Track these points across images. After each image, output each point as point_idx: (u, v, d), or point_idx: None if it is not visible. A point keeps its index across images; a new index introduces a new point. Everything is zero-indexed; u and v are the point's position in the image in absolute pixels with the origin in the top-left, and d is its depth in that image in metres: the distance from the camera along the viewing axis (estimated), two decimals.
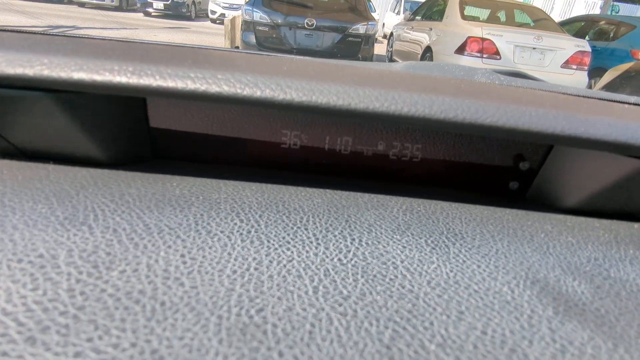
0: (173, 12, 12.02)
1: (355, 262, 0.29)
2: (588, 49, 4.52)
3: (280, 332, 0.22)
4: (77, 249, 0.26)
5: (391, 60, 7.83)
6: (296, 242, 0.30)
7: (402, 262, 0.29)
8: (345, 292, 0.26)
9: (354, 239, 0.31)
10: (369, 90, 0.32)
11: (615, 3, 16.85)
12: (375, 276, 0.27)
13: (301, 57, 0.49)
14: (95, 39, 0.46)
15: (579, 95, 0.51)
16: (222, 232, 0.30)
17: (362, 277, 0.27)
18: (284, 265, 0.27)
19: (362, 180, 0.43)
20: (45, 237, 0.27)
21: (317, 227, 0.32)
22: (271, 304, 0.24)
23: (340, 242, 0.30)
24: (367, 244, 0.31)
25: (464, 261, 0.30)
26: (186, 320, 0.22)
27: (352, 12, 4.69)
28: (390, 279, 0.27)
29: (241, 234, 0.30)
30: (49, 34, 0.46)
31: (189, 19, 12.53)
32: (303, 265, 0.28)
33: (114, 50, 0.36)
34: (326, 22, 4.37)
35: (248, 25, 4.44)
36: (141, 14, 12.19)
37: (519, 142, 0.41)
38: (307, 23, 4.30)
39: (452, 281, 0.28)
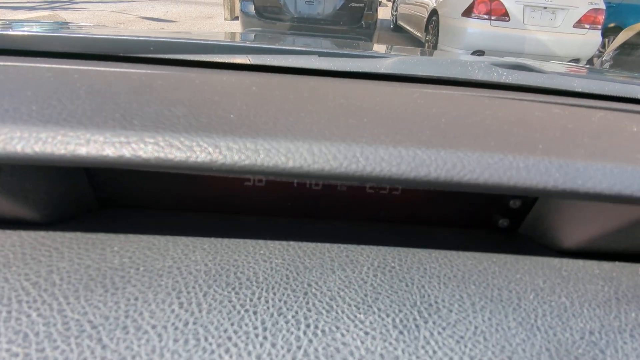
0: None
1: None
2: (602, 6, 4.31)
3: None
4: None
5: (396, 24, 7.56)
6: (239, 336, 0.25)
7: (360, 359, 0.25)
8: None
9: (308, 325, 0.26)
10: (325, 147, 0.28)
11: None
12: None
13: (265, 77, 0.42)
14: (35, 67, 0.39)
15: (582, 105, 0.44)
16: (153, 327, 0.25)
17: None
18: None
19: (334, 221, 0.38)
20: None
21: (268, 308, 0.27)
22: None
23: (292, 333, 0.26)
24: (322, 331, 0.26)
25: (435, 351, 0.26)
26: None
27: None
28: None
29: (176, 328, 0.25)
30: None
31: None
32: None
33: (31, 100, 0.31)
34: None
35: None
36: None
37: None
38: None
39: None
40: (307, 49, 0.59)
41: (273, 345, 0.25)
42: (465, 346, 0.26)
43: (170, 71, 0.41)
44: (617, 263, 0.35)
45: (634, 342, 0.28)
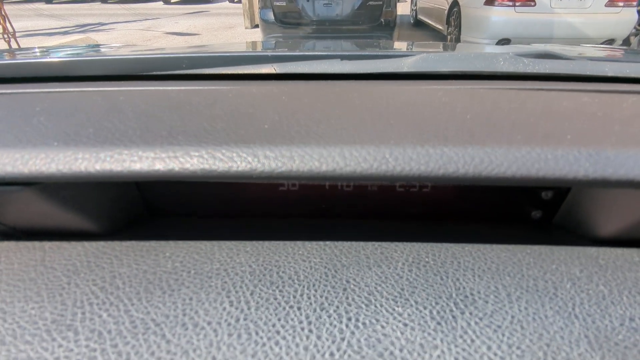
0: None
1: (349, 356, 0.25)
2: None
3: None
4: None
5: (416, 19, 7.45)
6: (286, 330, 0.27)
7: (400, 350, 0.25)
8: None
9: (350, 319, 0.28)
10: (355, 150, 0.29)
11: None
12: None
13: (292, 85, 0.44)
14: (74, 91, 0.43)
15: (613, 91, 0.42)
16: (209, 323, 0.27)
17: None
18: None
19: (366, 220, 0.39)
20: (30, 353, 0.25)
21: (311, 303, 0.29)
22: None
23: (335, 325, 0.27)
24: (364, 324, 0.27)
25: (473, 340, 0.26)
26: None
27: None
28: None
29: (229, 324, 0.27)
30: (30, 92, 0.44)
31: (207, 1, 12.46)
32: None
33: (86, 123, 0.34)
34: None
35: (265, 3, 4.34)
36: (161, 2, 12.25)
37: None
38: None
39: None
40: (329, 53, 0.60)
41: (318, 337, 0.26)
42: (503, 335, 0.26)
43: (204, 86, 0.45)
44: None
45: None
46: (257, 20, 5.02)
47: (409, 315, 0.28)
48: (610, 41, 4.27)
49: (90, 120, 0.35)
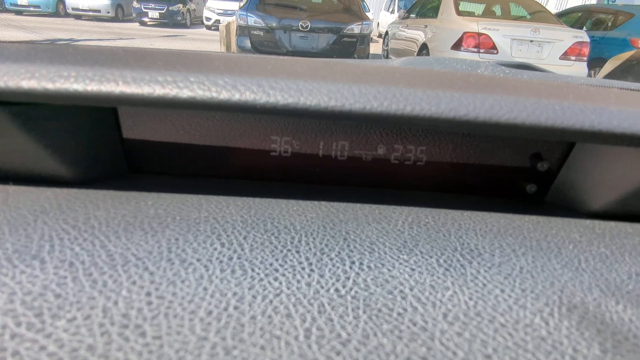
0: (168, 21, 12.03)
1: (356, 292, 0.24)
2: (586, 39, 4.48)
3: None
4: (21, 292, 0.22)
5: (387, 58, 7.78)
6: (285, 269, 0.25)
7: (411, 289, 0.25)
8: (344, 334, 0.21)
9: (353, 262, 0.26)
10: (365, 88, 0.28)
11: None
12: (380, 310, 0.23)
13: (289, 57, 0.44)
14: (58, 44, 0.41)
15: (598, 86, 0.46)
16: (198, 260, 0.26)
17: (365, 312, 0.23)
18: (270, 302, 0.23)
19: (361, 188, 0.39)
20: None
21: (310, 248, 0.27)
22: (252, 357, 0.19)
23: (338, 267, 0.26)
24: (369, 267, 0.26)
25: (485, 284, 0.26)
26: None
27: (346, 12, 4.67)
28: (399, 314, 0.23)
29: (221, 261, 0.26)
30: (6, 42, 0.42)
31: (184, 26, 12.55)
32: (293, 300, 0.23)
33: (75, 55, 0.31)
34: (320, 24, 4.34)
35: (243, 30, 4.42)
36: (137, 24, 12.21)
37: (536, 140, 0.36)
38: (301, 25, 4.28)
39: (473, 313, 0.23)
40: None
41: (321, 275, 0.25)
42: (515, 281, 0.26)
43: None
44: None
45: None
46: (234, 48, 5.08)
47: (415, 262, 0.27)
48: None
49: (75, 55, 0.31)
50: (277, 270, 0.25)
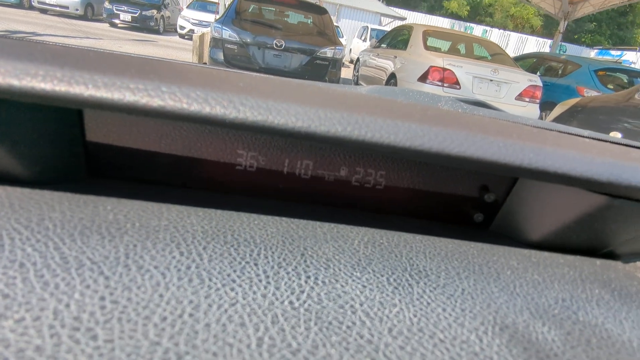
0: (140, 25, 11.80)
1: (309, 305, 0.25)
2: (540, 83, 4.84)
3: None
4: None
5: (357, 84, 8.02)
6: (243, 280, 0.26)
7: (361, 304, 0.26)
8: (294, 344, 0.22)
9: (309, 277, 0.28)
10: (330, 112, 0.29)
11: (563, 44, 18.27)
12: (330, 323, 0.24)
13: (262, 75, 0.46)
14: (30, 42, 0.39)
15: (541, 128, 0.51)
16: (155, 267, 0.26)
17: (316, 324, 0.24)
18: (225, 310, 0.23)
19: (322, 207, 0.40)
20: None
21: (268, 262, 0.28)
22: None
23: (294, 281, 0.27)
24: (323, 282, 0.28)
25: (429, 303, 0.28)
26: None
27: (321, 36, 4.79)
28: (348, 327, 0.24)
29: (179, 269, 0.26)
30: None
31: (156, 32, 12.34)
32: (248, 310, 0.24)
33: (44, 52, 0.30)
34: (295, 44, 4.42)
35: (217, 43, 4.42)
36: (107, 25, 11.89)
37: (484, 173, 0.39)
38: (275, 44, 4.34)
39: (416, 328, 0.25)
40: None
41: (277, 288, 0.26)
42: (456, 302, 0.29)
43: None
44: (577, 256, 0.38)
45: (600, 309, 0.31)
46: (206, 59, 5.06)
47: (367, 279, 0.29)
48: None
49: (46, 53, 0.30)
50: (234, 281, 0.26)
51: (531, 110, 4.82)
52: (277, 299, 0.25)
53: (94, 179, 0.37)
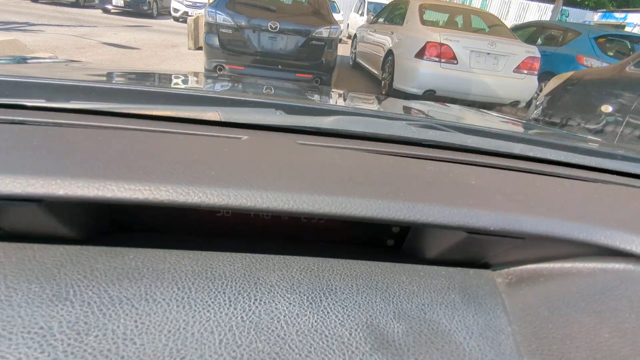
0: (133, 10, 11.66)
1: (252, 319, 0.38)
2: (537, 54, 4.80)
3: None
4: (65, 321, 0.35)
5: (355, 62, 7.96)
6: (215, 305, 0.39)
7: (284, 316, 0.39)
8: (239, 342, 0.36)
9: (257, 299, 0.40)
10: (270, 194, 0.41)
11: (565, 8, 17.79)
12: (262, 329, 0.37)
13: (234, 132, 0.58)
14: (65, 125, 0.53)
15: (472, 151, 0.62)
16: (163, 299, 0.39)
17: (254, 330, 0.37)
18: (203, 324, 0.37)
19: (278, 241, 0.51)
20: (42, 312, 0.35)
21: (232, 291, 0.41)
22: (190, 354, 0.34)
23: (246, 303, 0.39)
24: (265, 302, 0.40)
25: (328, 312, 0.40)
26: None
27: (315, 16, 4.74)
28: (272, 330, 0.37)
29: (177, 300, 0.39)
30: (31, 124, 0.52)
31: (150, 16, 12.19)
32: (216, 323, 0.37)
33: (83, 164, 0.42)
34: (290, 26, 4.40)
35: (211, 28, 4.40)
36: (100, 11, 11.74)
37: None
38: (270, 26, 4.32)
39: (314, 329, 0.38)
40: (268, 101, 0.72)
41: (235, 308, 0.39)
42: (345, 310, 0.40)
43: (158, 127, 0.56)
44: (457, 268, 0.48)
45: (443, 310, 0.42)
46: (202, 43, 5.05)
47: (294, 299, 0.40)
48: (516, 102, 4.93)
49: (79, 155, 0.44)
50: (209, 306, 0.39)
51: (529, 82, 4.81)
52: (234, 316, 0.38)
53: (117, 233, 0.48)
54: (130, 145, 0.49)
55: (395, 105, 1.36)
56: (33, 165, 0.40)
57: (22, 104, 0.58)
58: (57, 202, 0.39)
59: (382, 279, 0.44)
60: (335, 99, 1.24)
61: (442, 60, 4.62)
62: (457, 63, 4.63)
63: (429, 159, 0.58)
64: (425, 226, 0.43)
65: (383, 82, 5.70)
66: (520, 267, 0.46)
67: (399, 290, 0.43)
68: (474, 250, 0.46)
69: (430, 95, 4.76)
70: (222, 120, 0.62)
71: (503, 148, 0.65)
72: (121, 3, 11.52)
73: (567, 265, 0.44)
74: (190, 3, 11.76)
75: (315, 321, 0.38)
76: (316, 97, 1.20)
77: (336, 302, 0.41)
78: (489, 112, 1.52)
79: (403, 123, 0.70)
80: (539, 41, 6.54)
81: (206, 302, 0.39)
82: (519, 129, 1.07)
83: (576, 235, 0.42)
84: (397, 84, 5.08)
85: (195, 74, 1.49)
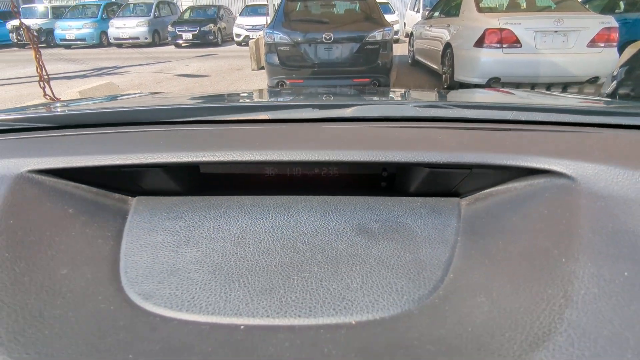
0: (201, 41, 12.66)
1: (286, 223, 0.54)
2: (614, 24, 4.38)
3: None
4: (189, 227, 0.54)
5: (413, 59, 7.86)
6: (265, 219, 0.55)
7: (304, 222, 0.55)
8: (279, 234, 0.52)
9: (289, 215, 0.55)
10: (299, 152, 0.57)
11: None
12: (292, 228, 0.53)
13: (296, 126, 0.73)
14: (166, 129, 0.72)
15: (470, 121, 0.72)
16: (235, 217, 0.56)
17: (287, 229, 0.53)
18: (259, 228, 0.53)
19: (304, 188, 0.64)
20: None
21: (275, 212, 0.56)
22: (252, 239, 0.52)
23: (284, 217, 0.55)
24: (294, 217, 0.55)
25: (333, 220, 0.55)
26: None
27: (367, 20, 4.81)
28: (298, 229, 0.53)
29: (243, 217, 0.55)
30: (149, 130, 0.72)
31: (216, 45, 13.14)
32: (266, 228, 0.54)
33: (184, 140, 0.62)
34: (343, 34, 4.52)
35: (270, 47, 4.68)
36: (172, 47, 12.93)
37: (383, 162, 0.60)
38: (324, 37, 4.48)
39: (323, 228, 0.53)
40: (304, 103, 0.93)
41: (276, 218, 0.55)
42: (349, 218, 0.55)
43: (228, 126, 0.74)
44: (432, 197, 0.59)
45: (409, 216, 0.55)
46: (263, 63, 5.37)
47: (311, 214, 0.56)
48: (595, 79, 4.52)
49: (200, 140, 0.63)
50: (261, 219, 0.55)
51: (608, 55, 4.39)
52: (276, 223, 0.54)
53: (206, 190, 0.64)
54: (221, 135, 0.68)
55: (436, 95, 1.42)
56: (184, 145, 0.59)
57: (161, 120, 0.78)
58: (176, 167, 0.58)
59: (372, 203, 0.58)
60: (377, 96, 1.32)
61: (504, 46, 4.42)
62: (520, 46, 4.40)
63: (413, 128, 0.71)
64: (399, 166, 0.56)
65: (444, 76, 5.58)
66: (477, 193, 0.58)
67: (384, 208, 0.57)
68: (439, 182, 0.58)
69: (495, 82, 4.57)
70: (272, 118, 0.82)
71: (472, 115, 0.77)
72: (190, 37, 12.59)
73: (507, 185, 0.55)
74: (251, 27, 12.46)
75: (324, 224, 0.54)
76: (360, 96, 1.31)
77: (339, 215, 0.56)
78: (552, 92, 1.48)
79: (409, 106, 0.84)
80: (620, 8, 5.93)
81: (259, 218, 0.55)
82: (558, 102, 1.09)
83: (504, 162, 0.53)
84: (458, 76, 4.94)
85: (259, 91, 1.74)
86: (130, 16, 13.46)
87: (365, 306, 0.43)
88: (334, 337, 0.39)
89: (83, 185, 0.57)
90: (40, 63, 4.67)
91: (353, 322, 0.41)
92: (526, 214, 0.50)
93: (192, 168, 0.63)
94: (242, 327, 0.41)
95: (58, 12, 14.77)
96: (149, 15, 13.49)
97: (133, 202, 0.60)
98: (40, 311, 0.40)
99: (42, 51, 4.91)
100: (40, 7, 15.58)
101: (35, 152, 0.57)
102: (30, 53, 4.90)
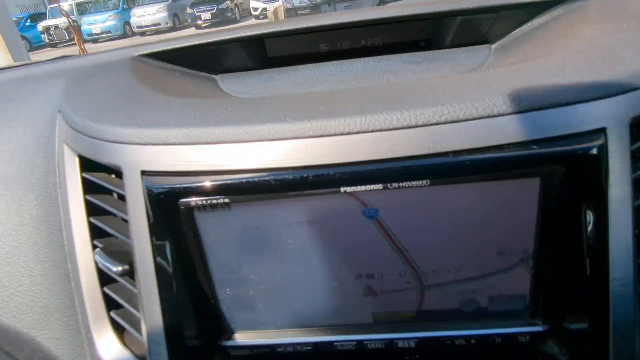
0: (220, 19, 12.70)
1: (341, 69, 0.59)
2: None
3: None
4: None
5: None
6: (327, 67, 0.59)
7: (358, 67, 0.59)
8: (340, 73, 0.58)
9: (343, 64, 0.60)
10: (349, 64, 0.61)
11: None
12: (347, 72, 0.58)
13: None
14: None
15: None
16: (304, 68, 0.62)
17: (343, 72, 0.58)
18: (322, 73, 0.59)
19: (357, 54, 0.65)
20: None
21: (335, 62, 0.61)
22: (317, 78, 0.57)
23: (340, 65, 0.60)
24: (347, 65, 0.60)
25: (376, 62, 0.60)
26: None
27: None
28: (352, 72, 0.58)
29: (311, 68, 0.61)
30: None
31: (234, 21, 13.13)
32: (327, 72, 0.59)
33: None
34: None
35: (290, 13, 4.70)
36: (193, 28, 13.05)
37: (423, 22, 0.63)
38: None
39: (367, 67, 0.59)
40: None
41: (335, 65, 0.61)
42: (389, 63, 0.60)
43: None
44: (467, 47, 0.62)
45: (458, 52, 0.60)
46: None
47: (362, 63, 0.60)
48: None
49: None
50: (324, 68, 0.60)
51: None
52: (335, 69, 0.59)
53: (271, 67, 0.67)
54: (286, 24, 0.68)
55: None
56: (254, 29, 0.63)
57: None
58: (248, 48, 0.64)
59: (412, 57, 0.61)
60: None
61: None
62: None
63: None
64: (435, 18, 0.60)
65: None
66: (506, 36, 0.61)
67: (421, 59, 0.60)
68: (471, 30, 0.61)
69: None
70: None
71: None
72: (209, 16, 12.64)
73: (531, 22, 0.59)
74: None
75: (369, 65, 0.59)
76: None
77: (382, 59, 0.60)
78: None
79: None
80: None
81: (325, 66, 0.60)
82: None
83: None
84: None
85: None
86: (149, 4, 13.64)
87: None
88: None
89: (177, 67, 0.67)
90: (82, 47, 4.97)
91: None
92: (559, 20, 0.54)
93: (260, 50, 0.67)
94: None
95: (82, 9, 15.17)
96: (167, 0, 13.62)
97: (217, 77, 0.67)
98: None
99: (72, 49, 5.16)
100: (65, 5, 16.05)
101: (143, 48, 0.70)
102: (62, 51, 5.15)
